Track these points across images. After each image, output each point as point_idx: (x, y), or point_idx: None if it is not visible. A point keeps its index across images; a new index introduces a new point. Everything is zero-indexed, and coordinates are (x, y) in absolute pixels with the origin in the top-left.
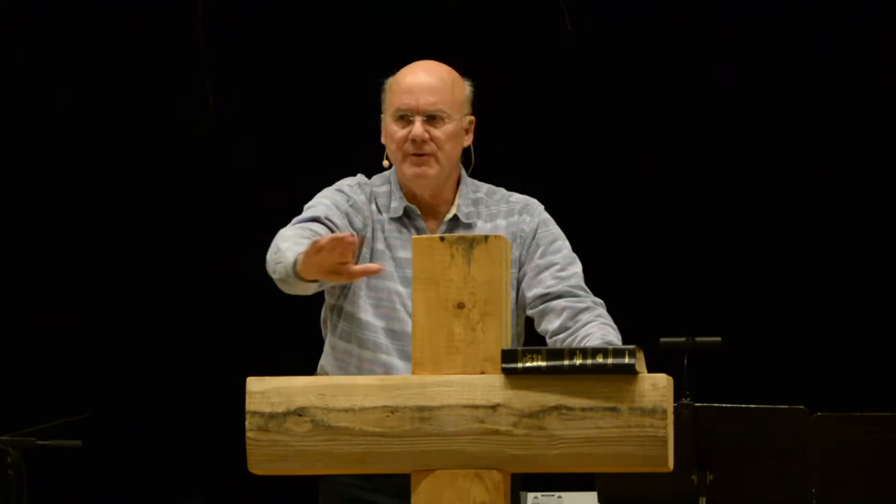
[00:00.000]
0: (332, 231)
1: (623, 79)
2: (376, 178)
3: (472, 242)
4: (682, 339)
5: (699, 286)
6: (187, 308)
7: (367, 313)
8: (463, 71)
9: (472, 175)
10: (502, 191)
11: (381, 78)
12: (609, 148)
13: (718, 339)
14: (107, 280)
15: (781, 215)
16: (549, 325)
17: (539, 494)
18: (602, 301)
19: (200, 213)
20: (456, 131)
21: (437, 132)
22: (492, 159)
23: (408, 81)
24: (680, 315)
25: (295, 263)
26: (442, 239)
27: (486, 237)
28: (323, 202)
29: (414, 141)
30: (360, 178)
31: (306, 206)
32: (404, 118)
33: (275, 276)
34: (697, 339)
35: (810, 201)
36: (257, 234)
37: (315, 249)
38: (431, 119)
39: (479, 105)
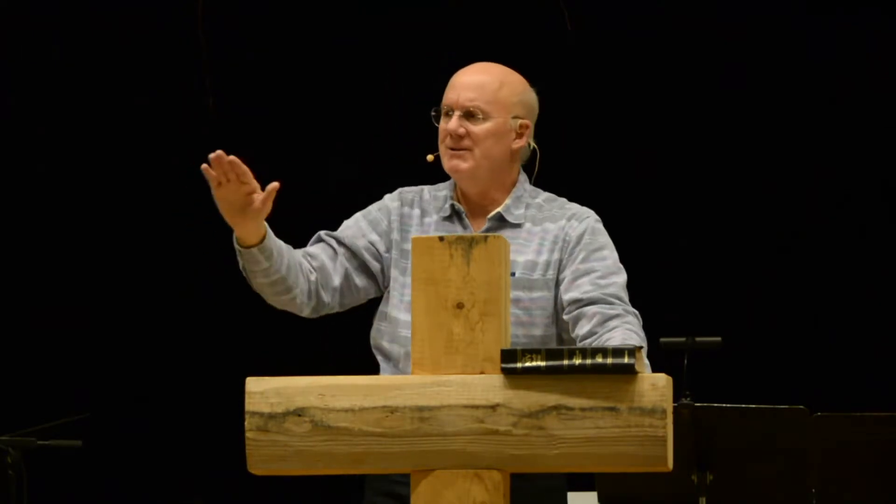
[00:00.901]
0: (330, 245)
1: (623, 79)
2: (440, 185)
3: (472, 242)
4: (682, 339)
5: (699, 286)
6: (187, 308)
7: (401, 312)
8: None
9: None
10: (563, 200)
11: (381, 78)
12: (609, 148)
13: (718, 339)
14: (107, 280)
15: (781, 215)
16: (579, 331)
17: None
18: (637, 312)
19: (200, 213)
20: (497, 130)
21: (474, 128)
22: None
23: (455, 79)
24: (680, 315)
25: (235, 240)
26: (441, 239)
27: (486, 237)
28: (353, 217)
29: (451, 135)
30: (417, 187)
31: None
32: (448, 114)
33: (250, 281)
34: (697, 339)
35: (810, 201)
36: None
37: (215, 184)
38: (469, 116)
39: None
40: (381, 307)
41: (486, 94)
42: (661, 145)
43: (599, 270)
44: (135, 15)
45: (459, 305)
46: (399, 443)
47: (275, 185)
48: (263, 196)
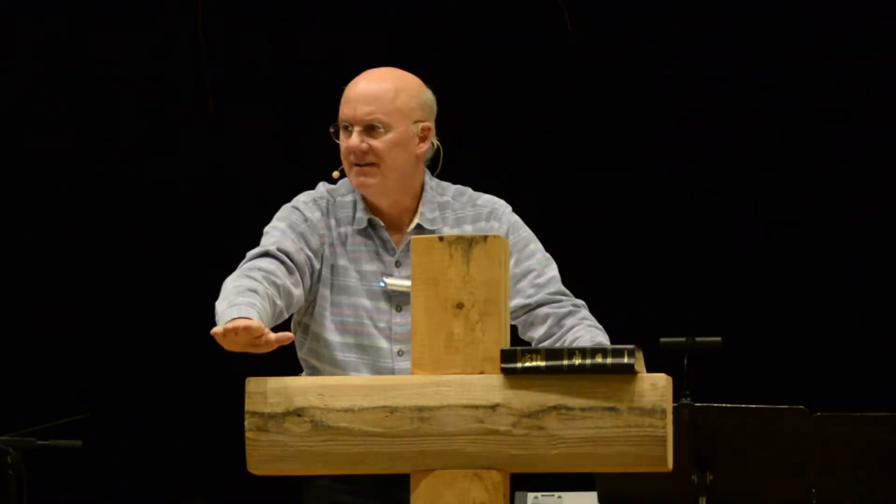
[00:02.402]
0: (283, 262)
1: (624, 77)
2: (341, 186)
3: (472, 242)
4: (682, 339)
5: (699, 286)
6: (187, 308)
7: (332, 332)
8: (462, 71)
9: (467, 175)
10: (470, 192)
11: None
12: (609, 148)
13: (718, 339)
14: (107, 280)
15: (781, 215)
16: (534, 333)
17: (539, 494)
18: (583, 302)
19: (200, 212)
20: (399, 140)
21: (376, 142)
22: (493, 159)
23: (348, 92)
24: (680, 315)
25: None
26: (441, 239)
27: (486, 237)
28: (278, 227)
29: (354, 152)
30: (320, 189)
31: (265, 231)
32: (346, 129)
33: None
34: (697, 339)
35: (810, 201)
36: (257, 233)
37: (220, 338)
38: (370, 129)
39: (479, 105)
40: (304, 319)
41: (384, 104)
42: (661, 144)
43: (535, 269)
44: (135, 15)
45: (459, 305)
46: (399, 443)
47: (289, 335)
48: (273, 340)
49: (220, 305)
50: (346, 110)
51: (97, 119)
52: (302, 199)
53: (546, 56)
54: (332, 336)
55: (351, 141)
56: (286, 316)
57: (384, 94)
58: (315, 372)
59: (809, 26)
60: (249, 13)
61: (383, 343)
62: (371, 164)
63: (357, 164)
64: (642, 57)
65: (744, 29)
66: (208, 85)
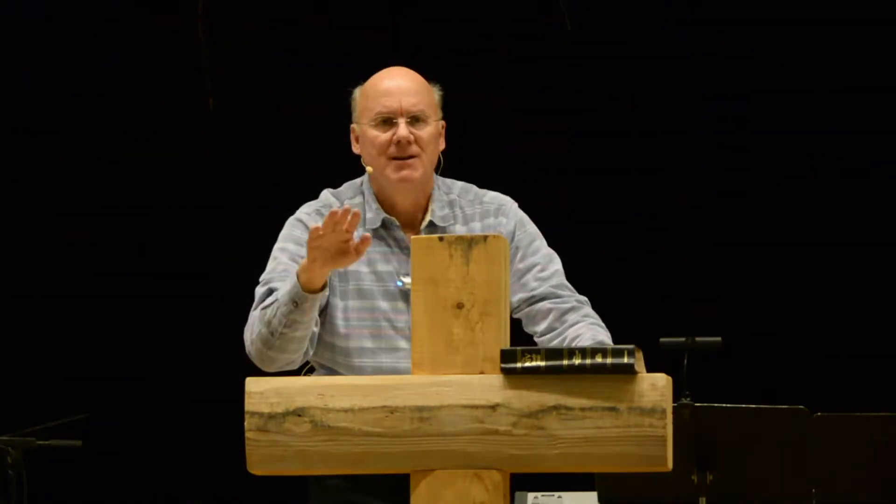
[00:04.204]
0: None
1: (624, 76)
2: (347, 189)
3: (471, 242)
4: (682, 339)
5: (699, 286)
6: (187, 308)
7: (346, 339)
8: (461, 71)
9: (468, 174)
10: (475, 189)
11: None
12: (609, 147)
13: (718, 339)
14: (107, 280)
15: (781, 215)
16: (536, 327)
17: (539, 494)
18: (586, 299)
19: (200, 212)
20: (435, 133)
21: (421, 133)
22: (494, 158)
23: (386, 85)
24: (680, 315)
25: (295, 287)
26: (441, 239)
27: (486, 237)
28: (282, 259)
29: (399, 143)
30: (324, 198)
31: (272, 254)
32: (387, 122)
33: (266, 335)
34: (697, 339)
35: (810, 200)
36: (257, 233)
37: (316, 235)
38: (415, 121)
39: (479, 105)
40: (315, 329)
41: (424, 97)
42: (661, 144)
43: (539, 263)
44: (135, 15)
45: (459, 305)
46: (399, 443)
47: (368, 235)
48: (358, 243)
49: (269, 300)
50: (389, 103)
51: (96, 118)
52: (305, 210)
53: (546, 56)
54: (348, 343)
55: (400, 132)
56: (311, 352)
57: (422, 87)
58: (331, 373)
59: (810, 24)
60: (249, 13)
61: (403, 343)
62: (414, 156)
63: (398, 158)
64: (641, 57)
65: (744, 28)
66: (208, 85)
